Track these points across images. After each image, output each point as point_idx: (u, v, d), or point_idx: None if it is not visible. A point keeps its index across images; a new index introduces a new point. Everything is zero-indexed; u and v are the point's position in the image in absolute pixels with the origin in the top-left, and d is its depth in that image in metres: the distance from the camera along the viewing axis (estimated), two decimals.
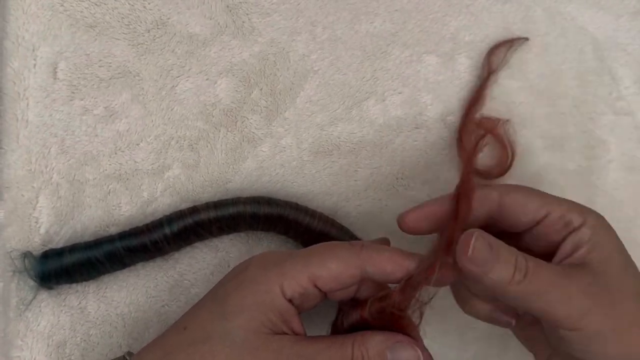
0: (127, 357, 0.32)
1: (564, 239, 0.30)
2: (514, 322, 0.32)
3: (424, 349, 0.30)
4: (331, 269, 0.28)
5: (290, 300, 0.28)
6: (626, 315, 0.28)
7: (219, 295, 0.30)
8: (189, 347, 0.28)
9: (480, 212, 0.31)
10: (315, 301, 0.30)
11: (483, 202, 0.31)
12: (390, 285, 0.31)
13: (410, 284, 0.29)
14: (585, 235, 0.29)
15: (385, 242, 0.34)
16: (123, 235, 0.34)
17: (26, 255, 0.33)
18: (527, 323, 0.33)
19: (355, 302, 0.31)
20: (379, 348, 0.28)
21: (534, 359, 0.33)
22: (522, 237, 0.31)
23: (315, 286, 0.29)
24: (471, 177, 0.32)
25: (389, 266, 0.29)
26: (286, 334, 0.29)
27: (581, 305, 0.28)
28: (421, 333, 0.30)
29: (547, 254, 0.30)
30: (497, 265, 0.28)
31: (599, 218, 0.30)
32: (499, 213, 0.31)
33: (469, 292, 0.32)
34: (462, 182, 0.31)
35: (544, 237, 0.30)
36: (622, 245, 0.30)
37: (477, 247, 0.28)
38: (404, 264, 0.29)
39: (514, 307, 0.32)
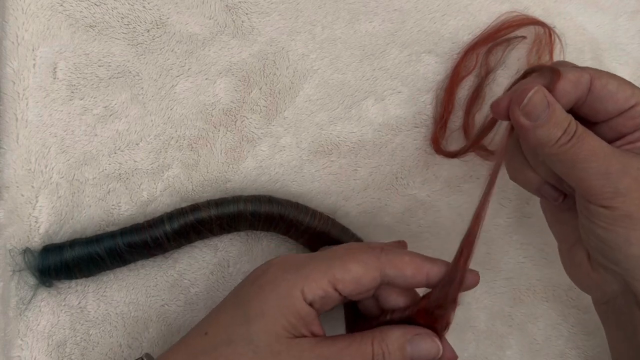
0: (145, 359, 0.32)
1: (636, 130, 0.29)
2: (561, 199, 0.32)
3: (447, 344, 0.30)
4: (352, 272, 0.28)
5: (310, 304, 0.28)
6: None
7: (240, 299, 0.30)
8: (213, 351, 0.28)
9: (571, 96, 0.29)
10: (333, 304, 0.30)
11: (577, 84, 0.29)
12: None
13: (446, 284, 0.29)
14: None
15: (402, 244, 0.34)
16: (124, 231, 0.34)
17: (26, 251, 0.33)
18: (563, 207, 0.33)
19: (377, 306, 0.31)
20: (399, 342, 0.28)
21: (558, 246, 0.34)
22: (596, 126, 0.31)
23: (336, 289, 0.29)
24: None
25: (409, 269, 0.29)
26: (306, 336, 0.29)
27: (617, 183, 0.27)
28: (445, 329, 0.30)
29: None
30: (548, 123, 0.28)
31: None
32: (586, 98, 0.30)
33: (523, 160, 0.32)
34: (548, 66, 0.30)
35: (620, 128, 0.30)
36: None
37: (533, 99, 0.28)
38: (424, 268, 0.29)
39: (560, 182, 0.31)
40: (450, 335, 0.39)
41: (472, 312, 0.40)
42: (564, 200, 0.32)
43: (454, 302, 0.29)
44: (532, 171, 0.32)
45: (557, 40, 0.39)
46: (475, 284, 0.29)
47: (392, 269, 0.29)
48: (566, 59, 0.39)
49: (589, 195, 0.28)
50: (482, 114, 0.39)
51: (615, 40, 0.40)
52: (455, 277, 0.28)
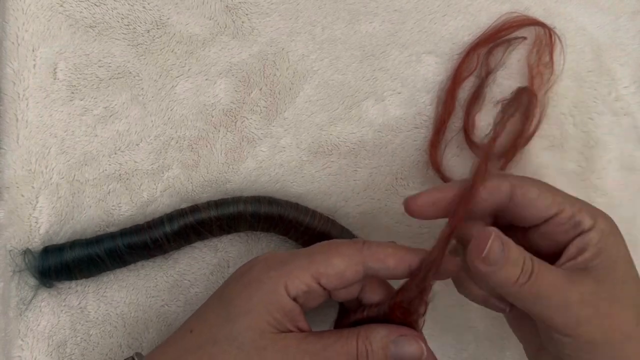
0: (136, 358, 0.32)
1: (571, 240, 0.29)
2: (508, 309, 0.32)
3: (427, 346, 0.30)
4: (334, 265, 0.29)
5: (295, 299, 0.29)
6: (622, 327, 0.28)
7: (225, 297, 0.30)
8: (198, 350, 0.28)
9: (490, 203, 0.30)
10: (319, 300, 0.30)
11: (494, 192, 0.30)
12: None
13: (417, 277, 0.29)
14: (593, 239, 0.29)
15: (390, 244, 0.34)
16: (124, 233, 0.34)
17: (26, 252, 0.33)
18: (520, 314, 0.32)
19: (359, 303, 0.31)
20: (383, 342, 0.28)
21: (523, 348, 0.33)
22: (528, 233, 0.31)
23: (319, 284, 0.29)
24: (486, 165, 0.30)
25: (392, 261, 0.29)
26: (292, 331, 0.29)
27: (578, 314, 0.28)
28: (422, 324, 0.30)
29: (552, 253, 0.30)
30: (506, 265, 0.28)
31: (610, 223, 0.30)
32: (508, 205, 0.30)
33: (469, 279, 0.32)
34: (477, 168, 0.30)
35: (552, 236, 0.30)
36: (629, 254, 0.30)
37: (492, 247, 0.27)
38: (406, 258, 0.29)
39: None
40: (450, 336, 0.40)
41: (471, 312, 0.40)
42: (512, 309, 0.32)
43: (425, 290, 0.29)
44: (476, 288, 0.32)
45: (557, 40, 0.39)
46: (455, 270, 0.29)
47: (374, 261, 0.29)
48: (566, 60, 0.39)
49: (551, 327, 0.28)
50: (482, 115, 0.39)
51: (616, 40, 0.40)
52: (431, 266, 0.29)
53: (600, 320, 0.28)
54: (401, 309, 0.29)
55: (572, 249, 0.29)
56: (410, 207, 0.31)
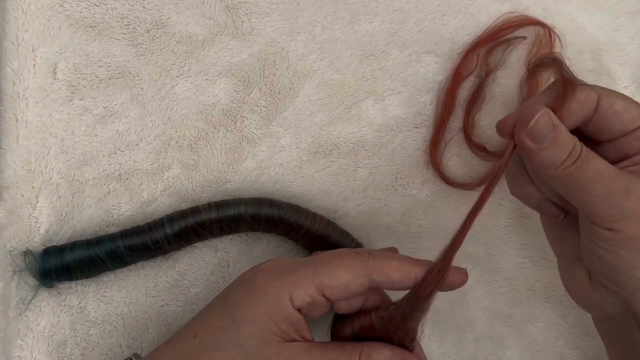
0: (134, 359, 0.32)
1: None
2: (562, 216, 0.32)
3: None
4: (339, 277, 0.29)
5: (299, 310, 0.29)
6: None
7: (229, 302, 0.30)
8: (202, 355, 0.28)
9: (579, 116, 0.29)
10: (322, 311, 0.30)
11: (583, 104, 0.29)
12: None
13: (419, 293, 0.29)
14: None
15: (393, 251, 0.34)
16: (124, 234, 0.34)
17: (27, 253, 0.33)
18: (567, 225, 0.32)
19: (358, 310, 0.31)
20: None
21: (557, 263, 0.33)
22: (600, 145, 0.30)
23: (323, 296, 0.29)
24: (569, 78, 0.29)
25: (397, 275, 0.29)
26: (296, 340, 0.29)
27: (622, 205, 0.27)
28: (420, 333, 0.30)
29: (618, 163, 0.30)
30: (553, 146, 0.27)
31: None
32: (593, 117, 0.29)
33: (525, 176, 0.32)
34: (563, 77, 0.29)
35: (625, 149, 0.29)
36: None
37: (539, 122, 0.27)
38: (411, 271, 0.29)
39: (562, 200, 0.31)
40: (450, 336, 0.40)
41: (471, 312, 0.40)
42: (565, 218, 0.32)
43: (424, 304, 0.29)
44: (533, 187, 0.31)
45: (557, 40, 0.39)
46: (462, 282, 0.29)
47: (379, 275, 0.29)
48: (566, 60, 0.39)
49: (593, 217, 0.28)
50: (482, 115, 0.39)
51: (616, 40, 0.40)
52: (434, 279, 0.28)
53: None
54: (397, 319, 0.29)
55: (638, 157, 0.29)
56: (502, 129, 0.30)
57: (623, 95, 0.30)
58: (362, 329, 0.30)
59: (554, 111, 0.29)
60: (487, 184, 0.29)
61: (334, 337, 0.32)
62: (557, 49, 0.39)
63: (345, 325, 0.31)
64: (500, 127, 0.30)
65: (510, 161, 0.32)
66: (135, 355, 0.33)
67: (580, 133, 0.30)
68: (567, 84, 0.29)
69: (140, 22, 0.36)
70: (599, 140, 0.30)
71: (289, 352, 0.28)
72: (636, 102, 0.30)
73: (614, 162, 0.29)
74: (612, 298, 0.30)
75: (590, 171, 0.28)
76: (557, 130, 0.28)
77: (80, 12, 0.35)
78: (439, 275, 0.28)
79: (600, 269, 0.29)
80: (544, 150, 0.28)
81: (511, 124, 0.29)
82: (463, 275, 0.29)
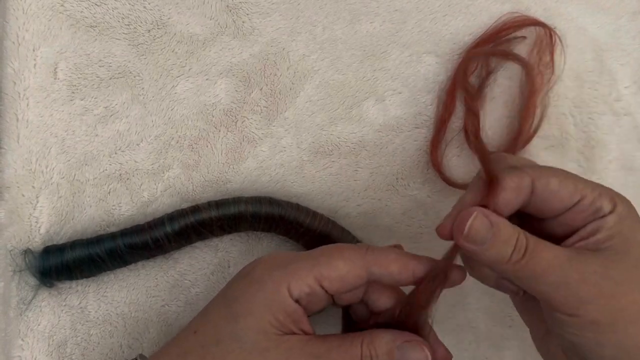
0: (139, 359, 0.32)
1: (587, 224, 0.29)
2: (521, 292, 0.31)
3: (441, 346, 0.30)
4: (337, 268, 0.29)
5: (297, 301, 0.29)
6: (629, 309, 0.28)
7: (228, 297, 0.30)
8: (201, 350, 0.28)
9: (514, 204, 0.29)
10: (321, 304, 0.30)
11: (517, 191, 0.29)
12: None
13: (426, 286, 0.29)
14: (609, 222, 0.28)
15: (398, 247, 0.34)
16: (125, 233, 0.34)
17: (27, 252, 0.33)
18: (529, 297, 0.32)
19: (365, 310, 0.31)
20: (387, 347, 0.28)
21: (530, 333, 0.33)
22: (544, 221, 0.30)
23: (322, 287, 0.29)
24: (492, 170, 0.29)
25: (395, 267, 0.29)
26: (295, 333, 0.29)
27: (579, 293, 0.27)
28: (430, 320, 0.30)
29: (567, 237, 0.30)
30: (495, 243, 0.27)
31: (629, 207, 0.29)
32: (530, 199, 0.29)
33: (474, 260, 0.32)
34: (486, 173, 0.29)
35: (569, 223, 0.29)
36: None
37: (474, 225, 0.27)
38: (409, 265, 0.29)
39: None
40: (450, 336, 0.40)
41: (472, 312, 0.40)
42: (525, 293, 0.31)
43: (432, 298, 0.29)
44: (486, 269, 0.31)
45: (558, 41, 0.39)
46: (461, 279, 0.29)
47: (377, 267, 0.29)
48: (567, 60, 0.39)
49: (552, 306, 0.28)
50: (482, 115, 0.39)
51: (617, 41, 0.40)
52: (439, 274, 0.29)
53: (605, 301, 0.27)
54: (407, 316, 0.29)
55: (585, 230, 0.29)
56: (442, 234, 0.30)
57: (557, 171, 0.29)
58: (372, 326, 0.30)
59: (486, 204, 0.28)
60: (435, 280, 0.29)
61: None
62: (557, 50, 0.39)
63: (358, 326, 0.31)
64: (441, 231, 0.30)
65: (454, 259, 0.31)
66: (141, 356, 0.33)
67: (522, 214, 0.30)
68: (491, 180, 0.29)
69: (141, 22, 0.36)
70: (542, 218, 0.30)
71: (287, 344, 0.28)
72: (572, 176, 0.29)
73: (562, 237, 0.29)
74: None
75: (542, 264, 0.27)
76: (495, 227, 0.28)
77: (81, 12, 0.35)
78: (443, 272, 0.28)
79: (570, 349, 0.29)
80: (488, 250, 0.27)
81: (450, 227, 0.29)
82: (462, 272, 0.29)
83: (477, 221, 0.27)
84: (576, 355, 0.29)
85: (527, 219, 0.30)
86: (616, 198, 0.29)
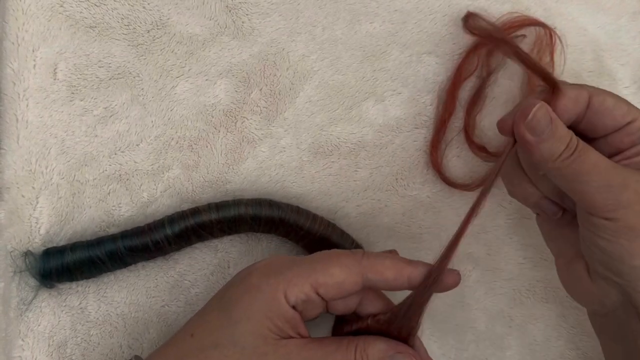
0: None
1: (633, 146, 0.30)
2: (560, 213, 0.32)
3: (425, 354, 0.30)
4: (334, 275, 0.29)
5: (294, 307, 0.29)
6: None
7: (225, 301, 0.30)
8: (199, 354, 0.28)
9: (572, 113, 0.30)
10: (317, 310, 0.30)
11: (575, 101, 0.30)
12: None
13: (417, 291, 0.29)
14: None
15: (393, 253, 0.34)
16: (125, 235, 0.34)
17: (27, 254, 0.33)
18: (564, 222, 0.33)
19: (356, 315, 0.31)
20: (379, 355, 0.29)
21: (555, 261, 0.34)
22: (593, 142, 0.31)
23: (318, 294, 0.29)
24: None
25: (391, 273, 0.29)
26: (293, 337, 0.29)
27: (619, 196, 0.28)
28: (420, 333, 0.30)
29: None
30: (551, 138, 0.28)
31: None
32: (585, 114, 0.31)
33: (523, 175, 0.33)
34: (548, 80, 0.31)
35: (617, 144, 0.30)
36: None
37: (537, 115, 0.28)
38: (405, 271, 0.29)
39: (559, 197, 0.32)
40: (450, 336, 0.40)
41: (472, 312, 0.40)
42: (563, 215, 0.32)
43: (423, 304, 0.29)
44: (531, 186, 0.32)
45: (558, 41, 0.39)
46: (455, 283, 0.30)
47: (373, 273, 0.29)
48: (567, 60, 0.39)
49: (591, 208, 0.29)
50: (482, 115, 0.39)
51: (617, 41, 0.40)
52: (433, 279, 0.29)
53: None
54: (397, 321, 0.29)
55: (631, 151, 0.30)
56: (502, 127, 0.31)
57: (612, 93, 0.31)
58: (362, 331, 0.30)
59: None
60: (487, 180, 0.30)
61: (335, 335, 0.32)
62: (557, 50, 0.39)
63: (344, 327, 0.31)
64: (501, 124, 0.31)
65: (508, 161, 0.32)
66: (136, 357, 0.33)
67: (574, 130, 0.31)
68: (557, 84, 0.30)
69: (141, 23, 0.36)
70: (592, 137, 0.31)
71: (285, 348, 0.28)
72: (625, 100, 0.31)
73: (607, 157, 0.30)
74: (612, 289, 0.30)
75: (588, 163, 0.28)
76: (554, 123, 0.29)
77: (81, 12, 0.35)
78: (435, 277, 0.29)
79: (599, 260, 0.30)
80: (543, 142, 0.29)
81: (510, 122, 0.30)
82: (456, 277, 0.30)
83: (541, 111, 0.29)
84: (605, 269, 0.30)
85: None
86: None
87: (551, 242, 0.35)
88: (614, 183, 0.28)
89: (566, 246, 0.33)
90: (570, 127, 0.30)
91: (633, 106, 0.31)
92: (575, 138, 0.29)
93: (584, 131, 0.31)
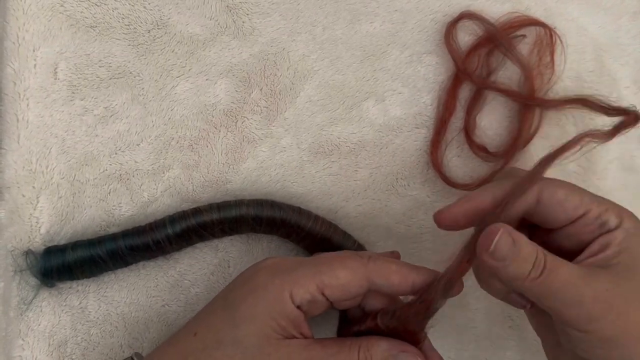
0: (135, 358, 0.33)
1: (594, 239, 0.29)
2: (529, 305, 0.32)
3: (436, 355, 0.31)
4: (339, 278, 0.29)
5: (298, 307, 0.29)
6: (638, 325, 0.28)
7: (229, 301, 0.30)
8: (202, 353, 0.28)
9: (519, 209, 0.30)
10: (321, 309, 0.30)
11: (523, 198, 0.30)
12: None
13: (427, 298, 0.29)
14: (616, 237, 0.29)
15: (394, 254, 0.34)
16: (126, 234, 0.34)
17: (28, 253, 0.33)
18: (540, 310, 0.32)
19: (364, 313, 0.31)
20: (383, 355, 0.29)
21: (542, 344, 0.34)
22: (552, 234, 0.31)
23: (323, 294, 0.29)
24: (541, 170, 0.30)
25: (396, 278, 0.29)
26: (296, 337, 0.29)
27: (591, 310, 0.28)
28: (426, 330, 0.30)
29: (575, 252, 0.30)
30: (516, 260, 0.28)
31: (636, 222, 0.30)
32: (535, 208, 0.30)
33: (490, 272, 0.32)
34: (532, 173, 0.30)
35: (577, 236, 0.30)
36: None
37: (500, 243, 0.28)
38: (410, 276, 0.30)
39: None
40: (450, 336, 0.40)
41: (472, 312, 0.40)
42: (533, 306, 0.32)
43: (431, 309, 0.29)
44: (497, 281, 0.31)
45: (558, 41, 0.39)
46: (457, 292, 0.30)
47: (379, 277, 0.29)
48: (567, 60, 0.39)
49: (565, 322, 0.28)
50: (483, 115, 0.39)
51: (617, 41, 0.40)
52: (438, 286, 0.29)
53: (615, 317, 0.28)
54: (404, 324, 0.29)
55: (594, 246, 0.29)
56: (440, 221, 0.31)
57: (565, 183, 0.30)
58: (368, 331, 0.30)
59: (497, 207, 0.29)
60: (438, 291, 0.29)
61: (340, 336, 0.32)
62: (558, 50, 0.39)
63: (352, 328, 0.31)
64: (438, 219, 0.31)
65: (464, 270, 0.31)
66: (137, 354, 0.33)
67: (529, 223, 0.31)
68: (525, 181, 0.29)
69: (141, 22, 0.36)
70: (549, 228, 0.31)
71: (288, 349, 0.28)
72: (580, 190, 0.30)
73: (571, 251, 0.30)
74: None
75: (557, 281, 0.28)
76: (517, 244, 0.28)
77: (81, 12, 0.35)
78: (448, 285, 0.29)
79: None
80: (509, 266, 0.28)
81: (448, 217, 0.30)
82: (460, 286, 0.30)
83: (502, 239, 0.28)
84: None
85: (536, 232, 0.30)
86: (623, 213, 0.30)
87: (535, 328, 0.34)
88: (585, 298, 0.27)
89: (549, 335, 0.33)
90: (523, 220, 0.30)
91: (588, 195, 0.30)
92: (541, 255, 0.28)
93: (540, 223, 0.31)
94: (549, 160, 0.30)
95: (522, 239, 0.28)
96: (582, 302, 0.28)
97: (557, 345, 0.32)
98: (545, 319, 0.32)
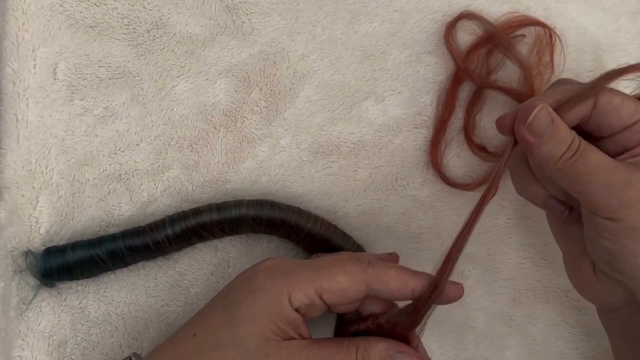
0: (133, 358, 0.33)
1: (639, 144, 0.30)
2: (567, 212, 0.32)
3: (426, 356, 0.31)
4: (338, 282, 0.29)
5: (297, 310, 0.29)
6: None
7: (229, 302, 0.30)
8: (202, 354, 0.29)
9: (577, 114, 0.30)
10: (319, 312, 0.30)
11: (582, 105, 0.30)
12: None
13: (420, 305, 0.29)
14: None
15: (394, 256, 0.34)
16: (126, 234, 0.34)
17: (27, 253, 0.33)
18: (569, 220, 0.33)
19: (360, 316, 0.31)
20: (380, 355, 0.29)
21: (562, 257, 0.34)
22: (599, 142, 0.31)
23: (321, 298, 0.29)
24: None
25: (395, 284, 0.29)
26: (294, 339, 0.29)
27: (622, 196, 0.28)
28: (419, 333, 0.30)
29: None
30: (552, 139, 0.28)
31: None
32: (591, 114, 0.30)
33: (530, 174, 0.33)
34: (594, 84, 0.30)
35: (624, 143, 0.30)
36: None
37: (538, 117, 0.28)
38: (409, 282, 0.29)
39: (566, 196, 0.32)
40: (450, 336, 0.40)
41: (471, 312, 0.40)
42: (570, 214, 0.32)
43: (425, 312, 0.29)
44: (538, 185, 0.32)
45: (557, 40, 0.39)
46: (458, 296, 0.30)
47: (378, 283, 0.29)
48: (567, 60, 0.39)
49: (594, 208, 0.29)
50: (482, 115, 0.39)
51: (617, 41, 0.40)
52: (435, 290, 0.29)
53: None
54: (399, 326, 0.30)
55: (638, 149, 0.30)
56: (501, 126, 0.31)
57: (619, 91, 0.30)
58: (365, 331, 0.30)
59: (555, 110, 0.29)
60: (490, 181, 0.30)
61: (337, 337, 0.32)
62: (557, 50, 0.39)
63: (349, 328, 0.31)
64: (499, 123, 0.31)
65: (515, 161, 0.32)
66: (135, 354, 0.33)
67: (581, 130, 0.31)
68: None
69: (141, 22, 0.36)
70: (599, 136, 0.31)
71: (287, 350, 0.28)
72: (633, 98, 0.30)
73: (614, 156, 0.30)
74: (617, 288, 0.31)
75: (590, 164, 0.28)
76: (555, 124, 0.28)
77: (81, 12, 0.35)
78: (437, 289, 0.29)
79: (603, 259, 0.30)
80: (544, 144, 0.28)
81: (510, 121, 0.30)
82: (459, 290, 0.30)
83: (541, 114, 0.28)
84: (609, 268, 0.30)
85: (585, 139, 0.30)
86: None
87: (559, 238, 0.35)
88: (616, 183, 0.28)
89: (573, 244, 0.33)
90: (577, 127, 0.30)
91: None
92: (577, 138, 0.29)
93: (591, 130, 0.31)
94: (614, 74, 0.30)
95: (560, 120, 0.29)
96: (613, 186, 0.28)
97: (579, 256, 0.32)
98: (571, 229, 0.33)
